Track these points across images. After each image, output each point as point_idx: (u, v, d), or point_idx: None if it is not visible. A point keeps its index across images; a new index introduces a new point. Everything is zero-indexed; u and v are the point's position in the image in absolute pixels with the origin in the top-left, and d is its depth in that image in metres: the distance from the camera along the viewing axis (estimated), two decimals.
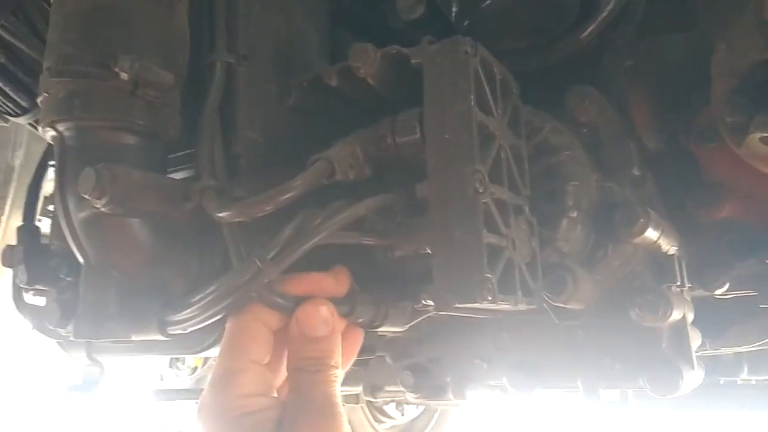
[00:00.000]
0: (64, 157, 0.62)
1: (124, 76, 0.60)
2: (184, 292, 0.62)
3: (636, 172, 0.78)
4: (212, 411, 0.57)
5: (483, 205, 0.57)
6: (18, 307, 0.83)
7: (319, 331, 0.60)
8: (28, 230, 0.85)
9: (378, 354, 0.89)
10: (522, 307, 0.60)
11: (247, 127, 0.70)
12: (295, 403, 0.58)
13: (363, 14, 0.98)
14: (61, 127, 0.62)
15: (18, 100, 1.08)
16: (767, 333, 0.97)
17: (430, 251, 0.60)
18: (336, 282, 0.63)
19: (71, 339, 0.65)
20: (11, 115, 1.10)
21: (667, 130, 0.89)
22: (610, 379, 0.74)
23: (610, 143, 0.78)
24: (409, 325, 0.68)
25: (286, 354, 0.61)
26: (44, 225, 0.90)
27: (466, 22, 0.88)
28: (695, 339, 0.77)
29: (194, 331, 0.61)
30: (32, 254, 0.80)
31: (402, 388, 0.88)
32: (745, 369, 1.17)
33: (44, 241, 0.85)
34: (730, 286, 0.88)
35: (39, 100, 0.63)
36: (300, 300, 0.60)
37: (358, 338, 0.68)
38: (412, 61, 0.63)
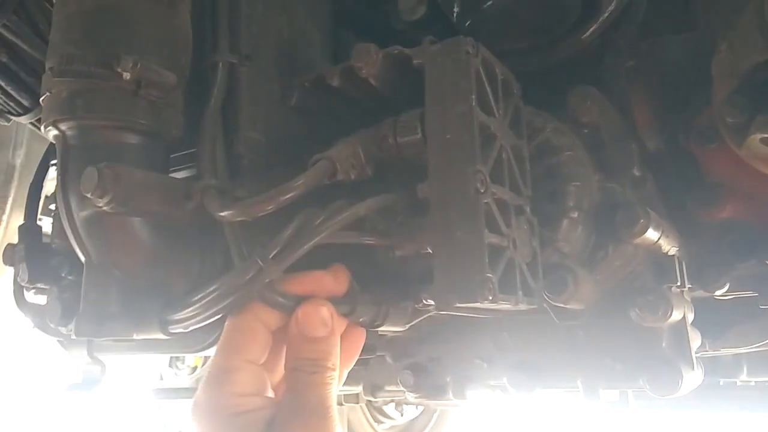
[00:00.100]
0: (67, 156, 0.63)
1: (126, 76, 0.60)
2: (185, 291, 0.62)
3: (637, 172, 0.78)
4: (206, 409, 0.57)
5: (484, 205, 0.57)
6: (19, 306, 0.83)
7: (318, 331, 0.60)
8: (30, 229, 0.85)
9: (378, 353, 0.89)
10: (522, 307, 0.60)
11: (249, 127, 0.70)
12: (288, 403, 0.58)
13: (365, 15, 0.98)
14: (63, 127, 0.62)
15: (20, 99, 1.08)
16: (767, 334, 0.97)
17: (431, 251, 0.60)
18: (335, 280, 0.63)
19: (72, 337, 0.65)
20: (13, 115, 1.10)
21: (668, 131, 0.89)
22: (610, 379, 0.74)
23: (611, 144, 0.78)
24: (410, 324, 0.68)
25: (284, 353, 0.62)
26: (45, 224, 0.90)
27: (467, 23, 0.88)
28: (695, 340, 0.77)
29: (195, 330, 0.61)
30: (34, 253, 0.81)
31: (402, 388, 0.88)
32: (745, 370, 1.17)
33: (45, 240, 0.85)
34: (730, 286, 0.88)
35: (41, 99, 0.63)
36: (300, 299, 0.60)
37: (360, 338, 0.68)
38: (414, 61, 0.63)
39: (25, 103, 1.08)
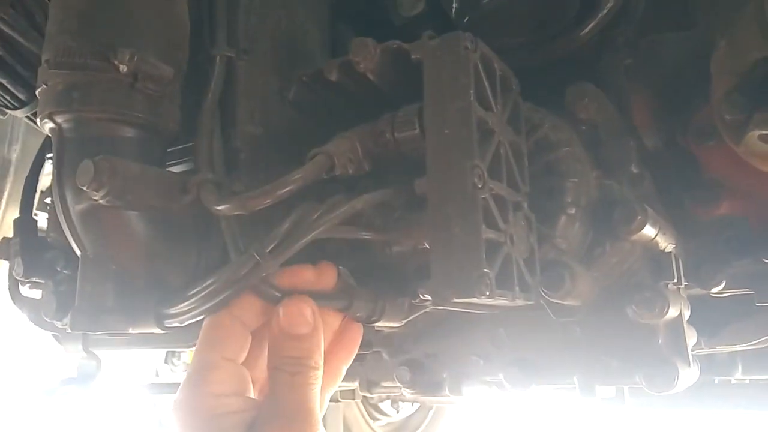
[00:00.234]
0: (62, 149, 0.62)
1: (123, 68, 0.60)
2: (181, 286, 0.62)
3: (635, 169, 0.78)
4: (185, 409, 0.56)
5: (482, 200, 0.57)
6: (14, 300, 0.83)
7: (299, 328, 0.58)
8: (25, 223, 0.85)
9: (375, 349, 0.89)
10: (519, 302, 0.60)
11: (246, 121, 0.70)
12: (269, 405, 0.57)
13: (364, 10, 0.97)
14: (59, 119, 0.62)
15: (16, 93, 1.07)
16: (763, 332, 0.97)
17: (428, 246, 0.60)
18: (318, 274, 0.62)
19: (68, 331, 0.65)
20: (9, 108, 1.09)
21: (666, 128, 0.89)
22: (606, 375, 0.74)
23: (609, 141, 0.78)
24: (407, 320, 0.68)
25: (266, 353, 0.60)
26: (40, 220, 0.89)
27: (466, 19, 0.88)
28: (691, 337, 0.77)
29: (191, 324, 0.61)
30: (29, 247, 0.80)
31: (398, 384, 0.88)
32: (740, 368, 1.17)
33: (41, 234, 0.85)
34: (726, 284, 0.88)
35: (37, 91, 0.63)
36: (285, 294, 0.59)
37: (358, 334, 0.68)
38: (412, 56, 0.63)
39: (21, 96, 1.07)
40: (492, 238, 0.57)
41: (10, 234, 0.86)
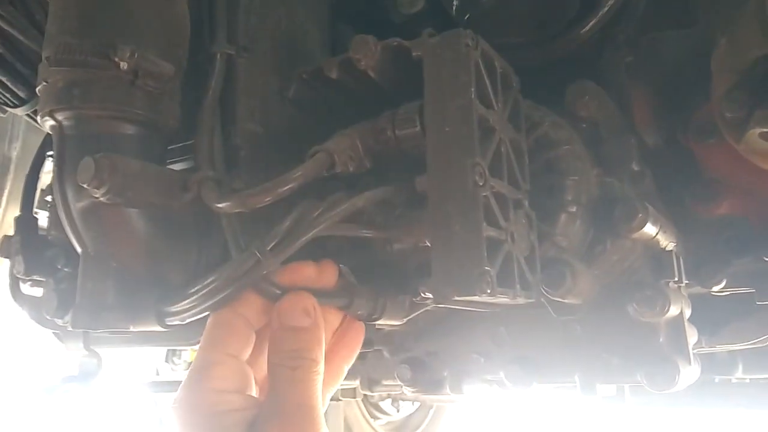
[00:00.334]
0: (63, 146, 0.62)
1: (123, 65, 0.60)
2: (182, 283, 0.62)
3: (635, 167, 0.78)
4: (186, 405, 0.55)
5: (483, 198, 0.57)
6: (15, 298, 0.83)
7: (299, 321, 0.58)
8: (26, 220, 0.85)
9: (376, 348, 0.89)
10: (520, 300, 0.60)
11: (246, 118, 0.70)
12: (270, 403, 0.56)
13: (364, 8, 0.97)
14: (59, 117, 0.62)
15: (16, 90, 1.07)
16: (763, 330, 0.97)
17: (429, 244, 0.60)
18: (319, 271, 0.62)
19: (69, 329, 0.65)
20: (9, 106, 1.09)
21: (667, 126, 0.89)
22: (607, 374, 0.74)
23: (609, 138, 0.78)
24: (408, 318, 0.68)
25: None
26: (41, 217, 0.89)
27: (466, 16, 0.88)
28: (692, 335, 0.77)
29: (192, 322, 0.61)
30: (30, 244, 0.80)
31: (399, 382, 0.88)
32: (740, 367, 1.17)
33: (41, 232, 0.85)
34: (727, 282, 0.88)
35: (38, 89, 0.63)
36: (286, 291, 0.59)
37: (360, 333, 0.68)
38: (413, 53, 0.63)
39: (22, 94, 1.07)
40: (493, 236, 0.57)
41: (11, 232, 0.86)
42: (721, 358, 1.15)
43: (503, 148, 0.63)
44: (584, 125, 0.78)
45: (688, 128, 0.86)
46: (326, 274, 0.63)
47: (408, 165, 0.63)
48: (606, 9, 0.85)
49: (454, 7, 0.89)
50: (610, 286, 0.75)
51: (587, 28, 0.86)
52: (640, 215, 0.69)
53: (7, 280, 0.83)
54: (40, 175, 0.92)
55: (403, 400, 2.61)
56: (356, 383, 0.98)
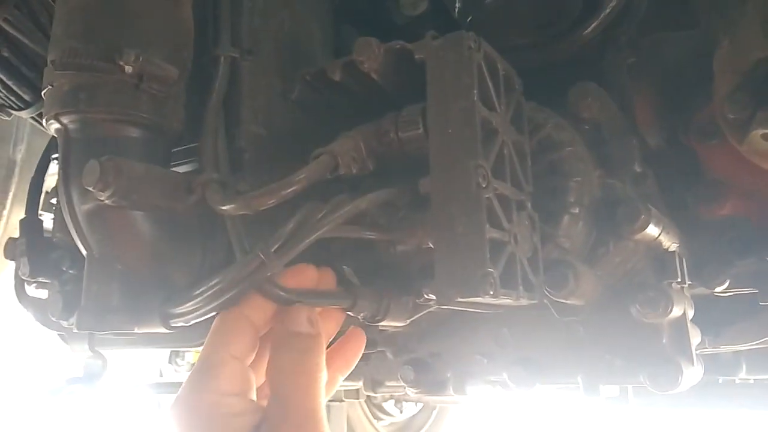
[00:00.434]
0: (68, 149, 0.63)
1: (128, 69, 0.60)
2: (187, 285, 0.62)
3: (638, 168, 0.78)
4: (187, 406, 0.54)
5: (486, 200, 0.57)
6: (20, 300, 0.83)
7: (302, 326, 0.58)
8: (31, 223, 0.85)
9: (379, 349, 0.90)
10: (523, 302, 0.61)
11: (250, 121, 0.70)
12: (276, 409, 0.55)
13: (367, 10, 0.98)
14: (65, 120, 0.62)
15: (21, 94, 1.08)
16: (766, 331, 0.97)
17: (432, 246, 0.60)
18: (320, 272, 0.62)
19: (74, 331, 0.65)
20: (14, 109, 1.10)
21: (669, 127, 0.89)
22: (610, 375, 0.74)
23: (612, 140, 0.78)
24: (411, 319, 0.68)
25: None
26: (45, 220, 0.90)
27: (469, 18, 0.88)
28: (695, 336, 0.77)
29: (197, 323, 0.61)
30: (35, 247, 0.81)
31: (402, 383, 0.88)
32: (744, 368, 1.17)
33: (46, 234, 0.85)
34: (729, 283, 0.88)
35: (43, 92, 0.63)
36: (290, 293, 0.59)
37: (359, 344, 0.68)
38: (416, 56, 0.63)
39: (26, 97, 1.08)
40: (496, 237, 0.57)
41: (16, 234, 0.86)
42: (724, 358, 1.15)
43: (506, 149, 0.63)
44: (587, 127, 0.78)
45: (690, 129, 0.86)
46: (327, 278, 0.63)
47: (411, 167, 0.63)
48: (608, 11, 0.85)
49: (456, 9, 0.89)
50: (613, 287, 0.75)
51: (589, 29, 0.86)
52: (643, 217, 0.69)
53: (12, 282, 0.84)
54: (45, 178, 0.93)
55: (406, 401, 2.61)
56: (359, 384, 0.98)
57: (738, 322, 0.98)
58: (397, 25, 0.94)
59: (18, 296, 0.83)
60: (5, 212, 1.47)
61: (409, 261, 0.67)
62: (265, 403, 0.58)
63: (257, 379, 0.60)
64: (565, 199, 0.71)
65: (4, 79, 1.05)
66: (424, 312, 0.68)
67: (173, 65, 0.63)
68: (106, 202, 0.57)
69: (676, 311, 0.72)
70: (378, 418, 2.66)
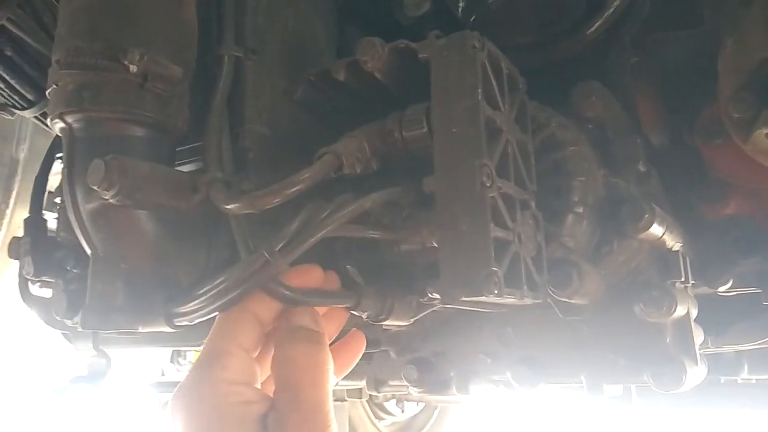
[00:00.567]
0: (73, 148, 0.63)
1: (133, 68, 0.60)
2: (191, 284, 0.62)
3: (641, 167, 0.78)
4: (194, 395, 0.53)
5: (490, 199, 0.57)
6: (25, 299, 0.83)
7: (306, 321, 0.58)
8: (35, 222, 0.86)
9: (382, 348, 0.90)
10: (528, 301, 0.61)
11: (254, 120, 0.70)
12: (286, 401, 0.55)
13: (370, 10, 0.98)
14: (69, 119, 0.62)
15: (24, 93, 1.08)
16: None
17: (436, 245, 0.60)
18: (325, 273, 0.63)
19: (78, 330, 0.65)
20: (17, 109, 1.10)
21: (673, 127, 0.89)
22: (614, 374, 0.74)
23: (616, 139, 0.78)
24: (415, 318, 0.68)
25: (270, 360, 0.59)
26: (48, 219, 0.90)
27: (472, 18, 0.88)
28: (698, 336, 0.77)
29: (201, 323, 0.61)
30: (39, 246, 0.81)
31: (406, 383, 0.88)
32: (746, 368, 1.17)
33: (50, 234, 0.85)
34: (733, 283, 0.88)
35: (48, 92, 0.64)
36: (294, 292, 0.60)
37: (360, 344, 0.68)
38: (420, 55, 0.63)
39: (30, 96, 1.08)
40: (500, 236, 0.57)
41: (20, 233, 0.86)
42: (727, 358, 1.15)
43: (510, 149, 0.63)
44: (590, 126, 0.78)
45: (694, 129, 0.86)
46: (331, 279, 0.64)
47: (415, 166, 0.63)
48: (612, 10, 0.85)
49: (460, 9, 0.89)
50: (617, 286, 0.75)
51: (593, 29, 0.86)
52: (647, 216, 0.69)
53: (16, 281, 0.84)
54: (49, 177, 0.93)
55: (408, 400, 2.61)
56: (362, 383, 0.98)
57: (741, 322, 0.98)
58: (400, 25, 0.94)
59: (22, 295, 0.83)
60: (8, 211, 1.47)
61: (413, 260, 0.67)
62: (271, 394, 0.57)
63: (261, 374, 0.60)
64: (569, 198, 0.71)
65: (8, 78, 1.06)
66: (428, 311, 0.68)
67: (177, 64, 0.63)
68: (111, 201, 0.57)
69: (680, 311, 0.72)
70: (380, 418, 2.65)
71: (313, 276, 0.62)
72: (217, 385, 0.54)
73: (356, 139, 0.64)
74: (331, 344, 0.64)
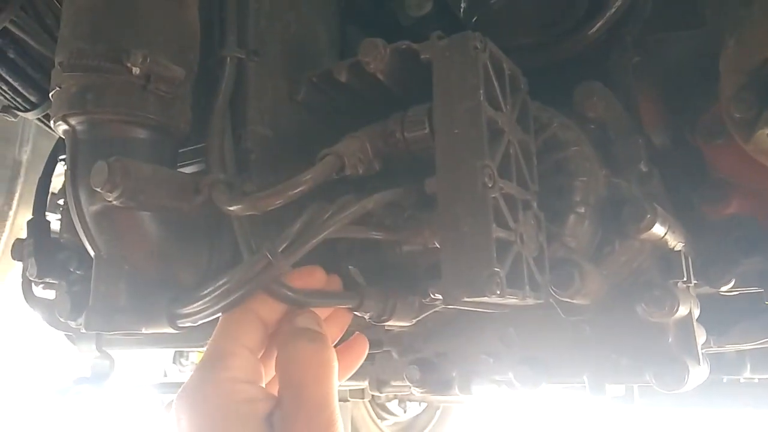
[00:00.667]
0: (76, 150, 0.63)
1: (135, 70, 0.60)
2: (194, 285, 0.63)
3: (643, 168, 0.78)
4: (198, 394, 0.53)
5: (492, 199, 0.57)
6: (28, 300, 0.83)
7: (309, 323, 0.58)
8: (39, 224, 0.86)
9: (384, 349, 0.90)
10: (530, 301, 0.61)
11: (257, 121, 0.70)
12: (292, 399, 0.54)
13: (372, 11, 0.98)
14: (73, 121, 0.63)
15: (27, 95, 1.08)
16: None
17: (438, 246, 0.60)
18: (328, 277, 0.63)
19: (82, 331, 0.66)
20: (20, 110, 1.11)
21: (675, 127, 0.89)
22: (616, 374, 0.74)
23: (617, 139, 0.78)
24: (417, 319, 0.69)
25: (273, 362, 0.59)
26: (52, 221, 0.90)
27: (474, 19, 0.88)
28: (701, 335, 0.77)
29: (204, 324, 0.61)
30: (42, 247, 0.81)
31: (408, 383, 0.88)
32: (748, 367, 1.17)
33: (53, 235, 0.86)
34: (735, 282, 0.88)
35: (51, 94, 0.64)
36: (297, 293, 0.60)
37: (363, 348, 0.68)
38: (422, 56, 0.63)
39: (33, 98, 1.08)
40: (502, 237, 0.57)
41: (23, 235, 0.86)
42: (729, 358, 1.14)
43: (512, 149, 0.63)
44: (592, 126, 0.78)
45: (696, 129, 0.86)
46: (334, 282, 0.64)
47: (417, 167, 0.63)
48: (613, 10, 0.85)
49: (461, 10, 0.89)
50: (619, 286, 0.75)
51: (594, 29, 0.86)
52: (649, 216, 0.69)
53: (19, 283, 0.84)
54: (52, 179, 0.93)
55: (410, 400, 2.61)
56: (365, 384, 0.98)
57: (743, 322, 0.98)
58: (402, 26, 0.94)
59: (25, 297, 0.83)
60: (11, 213, 1.47)
61: (416, 261, 0.67)
62: (275, 393, 0.57)
63: (266, 376, 0.60)
64: (571, 198, 0.71)
65: (10, 80, 1.06)
66: (430, 312, 0.69)
67: (180, 66, 0.64)
68: (114, 202, 0.58)
69: (682, 310, 0.72)
70: (382, 418, 2.66)
71: (315, 277, 0.62)
72: (221, 384, 0.53)
73: (358, 140, 0.65)
74: (334, 347, 0.65)
